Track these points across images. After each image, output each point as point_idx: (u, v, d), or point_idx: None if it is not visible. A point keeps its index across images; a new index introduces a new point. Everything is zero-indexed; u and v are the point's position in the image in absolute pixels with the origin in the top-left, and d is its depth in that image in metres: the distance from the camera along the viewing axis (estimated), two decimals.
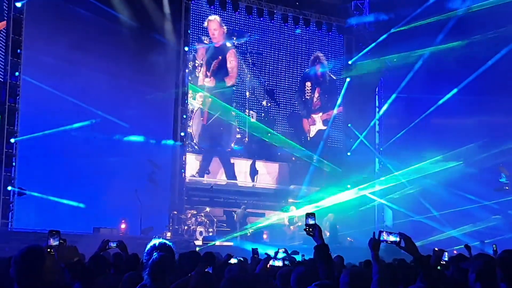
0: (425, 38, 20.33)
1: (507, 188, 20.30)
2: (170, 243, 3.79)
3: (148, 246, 3.82)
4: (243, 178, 19.10)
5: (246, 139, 19.10)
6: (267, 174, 19.59)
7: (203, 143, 18.88)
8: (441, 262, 5.74)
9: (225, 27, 19.07)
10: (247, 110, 19.45)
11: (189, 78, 18.98)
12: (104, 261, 5.72)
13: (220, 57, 19.00)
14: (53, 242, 4.57)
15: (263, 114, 20.15)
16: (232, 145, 18.85)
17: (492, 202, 20.06)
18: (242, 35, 19.65)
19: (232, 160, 19.07)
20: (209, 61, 18.71)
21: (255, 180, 19.41)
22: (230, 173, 19.07)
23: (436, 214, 20.68)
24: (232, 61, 18.76)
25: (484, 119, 20.15)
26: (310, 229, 4.57)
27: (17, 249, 4.10)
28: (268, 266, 5.95)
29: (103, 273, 5.43)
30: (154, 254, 3.70)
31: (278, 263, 5.94)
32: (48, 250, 4.55)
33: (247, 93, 19.65)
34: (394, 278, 5.46)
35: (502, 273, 3.68)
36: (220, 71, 18.80)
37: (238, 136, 19.03)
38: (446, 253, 6.20)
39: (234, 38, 19.67)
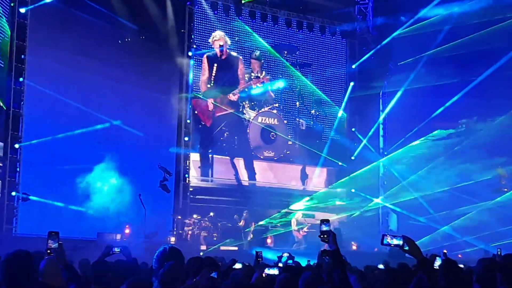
0: (428, 41, 20.33)
1: (506, 189, 20.27)
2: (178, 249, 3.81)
3: (157, 252, 3.81)
4: (294, 182, 20.15)
5: (297, 145, 20.02)
6: (316, 178, 20.46)
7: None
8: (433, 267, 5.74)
9: (229, 41, 19.44)
10: (297, 119, 20.35)
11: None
12: (107, 267, 5.69)
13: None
14: (52, 244, 4.56)
15: (312, 122, 21.01)
16: (285, 151, 19.87)
17: (497, 206, 20.01)
18: (292, 49, 20.58)
19: (284, 165, 20.02)
20: (217, 72, 19.01)
21: (305, 184, 20.24)
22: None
23: (439, 218, 20.64)
24: (241, 69, 19.37)
25: (489, 121, 20.15)
26: (325, 236, 4.61)
27: None
28: (264, 275, 5.77)
29: (106, 278, 5.40)
30: (165, 264, 3.72)
31: (274, 271, 5.73)
32: (48, 251, 4.54)
33: (297, 103, 20.49)
34: (396, 282, 5.45)
35: (503, 277, 3.69)
36: (222, 80, 19.11)
37: (290, 143, 19.98)
38: (438, 258, 6.19)
39: (286, 52, 20.43)
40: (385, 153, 22.44)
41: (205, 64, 19.11)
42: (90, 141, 16.78)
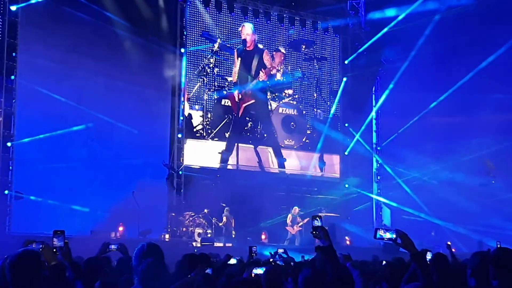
0: (420, 35, 20.37)
1: (493, 182, 20.35)
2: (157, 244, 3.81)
3: (136, 249, 3.82)
4: (313, 169, 21.14)
5: (315, 134, 21.05)
6: (333, 166, 21.57)
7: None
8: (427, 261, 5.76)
9: (256, 35, 20.13)
10: (315, 109, 21.26)
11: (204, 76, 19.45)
12: (100, 263, 5.68)
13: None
14: (58, 242, 4.56)
15: (328, 113, 21.99)
16: (304, 139, 20.85)
17: (492, 200, 20.09)
18: (310, 44, 21.48)
19: (304, 153, 20.96)
20: (243, 63, 19.64)
21: (323, 171, 21.30)
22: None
23: (432, 212, 20.74)
24: (267, 60, 19.91)
25: (484, 117, 20.24)
26: (317, 232, 4.62)
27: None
28: (252, 275, 5.72)
29: (100, 275, 5.39)
30: (143, 261, 3.73)
31: (261, 271, 5.47)
32: (54, 250, 4.54)
33: (315, 95, 21.42)
34: (393, 277, 5.46)
35: (494, 270, 3.69)
36: (248, 70, 19.76)
37: (309, 132, 20.92)
38: (429, 253, 6.20)
39: (303, 47, 21.23)
40: (379, 148, 22.51)
41: (235, 56, 19.80)
42: (83, 139, 16.74)
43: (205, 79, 19.39)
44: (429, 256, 6.08)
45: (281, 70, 20.36)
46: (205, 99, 19.39)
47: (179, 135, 18.84)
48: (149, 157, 17.73)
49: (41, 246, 5.18)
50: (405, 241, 4.04)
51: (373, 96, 22.90)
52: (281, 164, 20.16)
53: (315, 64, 21.57)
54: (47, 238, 5.15)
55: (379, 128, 22.82)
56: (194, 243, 16.37)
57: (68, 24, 16.54)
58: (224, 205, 18.34)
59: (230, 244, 16.56)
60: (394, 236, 4.09)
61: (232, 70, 19.91)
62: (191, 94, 19.35)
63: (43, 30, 16.18)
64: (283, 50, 20.51)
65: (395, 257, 6.53)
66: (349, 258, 5.72)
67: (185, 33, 19.55)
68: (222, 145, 19.47)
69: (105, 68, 16.85)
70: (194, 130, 19.35)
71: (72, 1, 16.46)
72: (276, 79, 20.12)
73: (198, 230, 17.30)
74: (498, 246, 9.29)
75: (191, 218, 17.50)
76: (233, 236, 17.84)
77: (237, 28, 20.45)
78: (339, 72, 22.45)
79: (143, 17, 18.04)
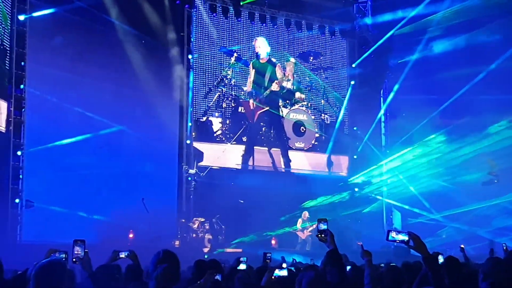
0: (428, 38, 20.33)
1: (496, 181, 20.26)
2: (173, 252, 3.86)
3: (153, 256, 3.88)
4: (321, 169, 22.10)
5: (323, 137, 21.97)
6: (340, 165, 22.46)
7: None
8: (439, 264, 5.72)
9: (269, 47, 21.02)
10: (322, 115, 22.03)
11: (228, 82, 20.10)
12: (112, 271, 5.65)
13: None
14: (80, 251, 4.55)
15: (334, 118, 22.60)
16: (313, 142, 21.80)
17: (504, 200, 20.00)
18: (317, 55, 22.24)
19: (313, 155, 21.85)
20: (256, 75, 20.65)
21: (331, 170, 22.20)
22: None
23: (445, 214, 20.65)
24: (280, 74, 20.85)
25: (492, 118, 20.19)
26: (323, 235, 4.57)
27: (26, 262, 4.10)
28: (273, 277, 5.68)
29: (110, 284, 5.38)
30: (159, 266, 3.79)
31: (283, 273, 5.49)
32: (73, 260, 4.53)
33: (322, 101, 22.12)
34: (401, 280, 5.44)
35: (506, 274, 3.67)
36: (262, 81, 20.71)
37: (317, 135, 21.83)
38: (440, 256, 6.15)
39: (311, 58, 22.04)
40: (388, 151, 22.45)
41: (250, 68, 20.76)
42: (93, 146, 16.79)
43: (223, 89, 20.15)
44: (441, 259, 6.03)
45: (291, 79, 21.03)
46: (223, 107, 20.23)
47: (188, 141, 18.92)
48: (158, 163, 17.76)
49: (63, 255, 5.18)
50: (418, 244, 4.00)
51: (381, 98, 22.84)
52: (287, 164, 21.04)
53: (322, 73, 22.06)
54: (63, 246, 5.17)
55: (388, 130, 22.77)
56: (204, 249, 16.37)
57: (75, 33, 16.64)
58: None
59: (240, 250, 16.56)
60: (406, 238, 4.05)
61: (247, 80, 20.65)
62: (211, 103, 20.24)
63: (51, 38, 16.29)
64: (293, 60, 21.25)
65: (404, 261, 6.50)
66: (369, 254, 5.52)
67: (192, 39, 19.63)
68: (238, 148, 20.31)
69: (113, 76, 16.94)
70: (215, 135, 20.28)
71: (79, 10, 16.55)
72: (286, 88, 20.93)
73: (208, 236, 17.30)
74: (505, 248, 9.20)
75: (201, 225, 17.49)
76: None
77: (244, 33, 20.68)
78: (347, 76, 22.45)
79: (149, 24, 18.12)
